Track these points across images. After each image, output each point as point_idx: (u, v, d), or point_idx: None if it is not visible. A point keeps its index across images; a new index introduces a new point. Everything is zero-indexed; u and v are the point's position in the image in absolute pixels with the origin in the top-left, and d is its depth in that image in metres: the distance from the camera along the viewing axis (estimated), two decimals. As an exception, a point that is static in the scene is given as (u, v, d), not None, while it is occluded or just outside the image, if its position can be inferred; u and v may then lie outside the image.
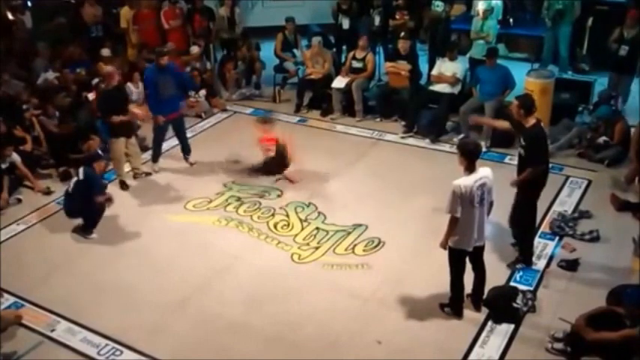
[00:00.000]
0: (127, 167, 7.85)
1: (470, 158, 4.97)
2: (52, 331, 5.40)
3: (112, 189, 7.49)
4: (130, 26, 10.32)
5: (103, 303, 5.71)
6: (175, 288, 5.86)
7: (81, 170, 6.66)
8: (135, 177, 7.83)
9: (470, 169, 4.97)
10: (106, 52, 9.14)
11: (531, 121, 5.60)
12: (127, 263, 6.27)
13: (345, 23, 10.28)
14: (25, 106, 8.14)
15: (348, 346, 5.16)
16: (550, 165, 7.62)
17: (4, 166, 7.26)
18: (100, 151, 7.23)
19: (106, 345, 5.22)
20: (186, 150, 8.22)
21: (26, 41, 9.72)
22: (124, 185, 7.65)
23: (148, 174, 7.92)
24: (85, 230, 6.72)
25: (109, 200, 6.81)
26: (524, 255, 5.96)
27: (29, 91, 8.56)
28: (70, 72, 9.26)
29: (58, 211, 7.11)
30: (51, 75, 9.00)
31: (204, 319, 5.50)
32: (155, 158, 8.11)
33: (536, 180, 5.66)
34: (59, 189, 7.48)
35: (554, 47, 9.92)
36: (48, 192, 7.42)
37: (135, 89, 9.30)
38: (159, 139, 7.99)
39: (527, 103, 5.68)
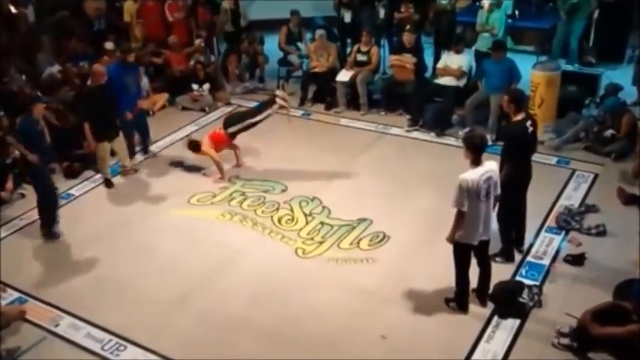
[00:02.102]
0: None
1: (476, 152, 4.93)
2: (56, 326, 5.39)
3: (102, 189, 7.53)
4: (134, 19, 10.29)
5: (107, 298, 5.69)
6: (178, 283, 5.84)
7: (19, 120, 6.27)
8: (123, 175, 7.72)
9: (476, 162, 4.93)
10: (109, 45, 9.12)
11: (518, 116, 5.57)
12: (131, 258, 6.24)
13: (347, 17, 10.22)
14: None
15: (352, 341, 5.13)
16: (556, 159, 7.75)
17: (8, 161, 7.23)
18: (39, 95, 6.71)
19: (110, 340, 5.20)
20: (145, 148, 8.22)
21: (29, 35, 9.68)
22: (109, 183, 7.54)
23: (135, 171, 7.83)
24: (47, 234, 6.50)
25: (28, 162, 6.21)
26: (505, 250, 5.90)
27: (32, 85, 8.53)
28: (73, 66, 9.24)
29: (61, 206, 7.09)
30: (55, 69, 8.97)
31: (207, 315, 5.47)
32: (145, 150, 8.21)
33: (516, 178, 5.56)
34: (63, 184, 7.49)
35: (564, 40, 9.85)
36: None
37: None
38: (128, 134, 7.87)
39: (518, 97, 5.65)
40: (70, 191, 7.49)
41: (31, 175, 6.56)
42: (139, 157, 8.17)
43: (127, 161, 7.77)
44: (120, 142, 7.55)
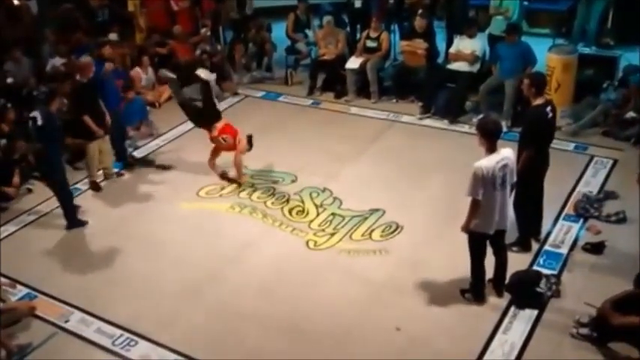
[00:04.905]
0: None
1: (490, 139, 4.81)
2: (66, 322, 5.35)
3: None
4: (138, 9, 10.20)
5: (117, 293, 5.65)
6: (189, 276, 5.79)
7: (37, 114, 6.15)
8: (106, 177, 7.48)
9: (491, 149, 4.81)
10: (113, 36, 9.03)
11: (538, 100, 5.44)
12: (140, 252, 6.19)
13: (358, 2, 10.07)
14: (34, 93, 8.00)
15: (366, 332, 5.07)
16: (574, 145, 7.60)
17: (15, 155, 7.19)
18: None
19: (121, 335, 5.16)
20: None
21: (32, 27, 9.60)
22: (95, 186, 7.31)
23: (120, 175, 7.60)
24: (72, 222, 6.54)
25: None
26: (521, 239, 5.80)
27: (37, 77, 8.47)
28: (77, 58, 9.14)
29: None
30: (58, 61, 8.91)
31: (218, 308, 5.42)
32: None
33: (534, 165, 5.44)
34: (69, 177, 7.40)
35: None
36: None
37: (144, 74, 9.20)
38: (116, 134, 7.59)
39: (539, 81, 5.53)
40: (77, 185, 7.41)
41: (49, 169, 6.45)
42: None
43: (110, 163, 7.50)
44: (105, 141, 7.29)
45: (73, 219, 6.60)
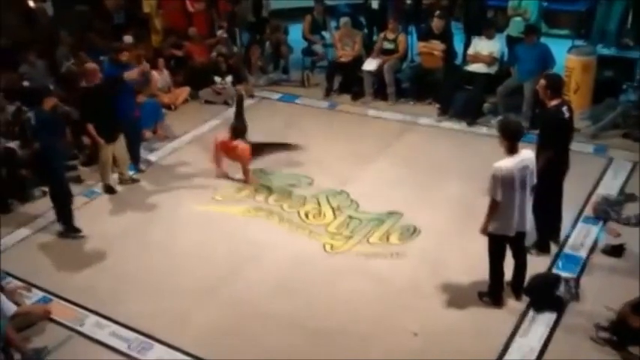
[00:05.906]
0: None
1: (512, 140, 4.76)
2: (81, 325, 5.33)
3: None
4: (154, 11, 10.22)
5: (132, 296, 5.63)
6: (204, 279, 5.76)
7: (31, 115, 6.18)
8: (121, 182, 7.39)
9: (511, 151, 4.76)
10: (128, 38, 9.05)
11: (554, 102, 5.36)
12: (155, 254, 6.18)
13: (375, 3, 10.04)
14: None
15: (383, 335, 5.02)
16: (593, 147, 7.50)
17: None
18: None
19: (136, 339, 5.14)
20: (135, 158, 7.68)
21: (48, 29, 9.65)
22: (110, 190, 7.27)
23: (135, 180, 7.53)
24: (67, 228, 6.44)
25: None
26: (540, 242, 5.72)
27: (53, 80, 8.50)
28: (93, 61, 9.15)
29: (85, 203, 7.06)
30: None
31: (233, 311, 5.39)
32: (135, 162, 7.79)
33: (553, 167, 5.35)
34: (86, 179, 7.48)
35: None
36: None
37: (159, 76, 9.21)
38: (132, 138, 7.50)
39: (555, 83, 5.45)
40: (94, 188, 7.44)
41: (49, 170, 6.40)
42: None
43: (126, 168, 7.44)
44: (121, 147, 7.23)
45: (69, 224, 6.49)
